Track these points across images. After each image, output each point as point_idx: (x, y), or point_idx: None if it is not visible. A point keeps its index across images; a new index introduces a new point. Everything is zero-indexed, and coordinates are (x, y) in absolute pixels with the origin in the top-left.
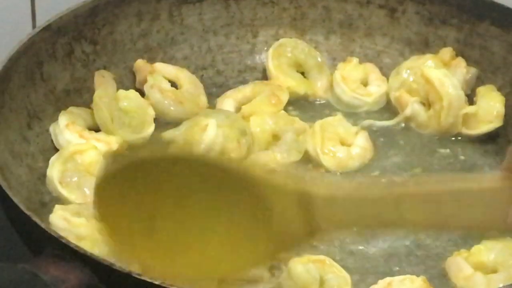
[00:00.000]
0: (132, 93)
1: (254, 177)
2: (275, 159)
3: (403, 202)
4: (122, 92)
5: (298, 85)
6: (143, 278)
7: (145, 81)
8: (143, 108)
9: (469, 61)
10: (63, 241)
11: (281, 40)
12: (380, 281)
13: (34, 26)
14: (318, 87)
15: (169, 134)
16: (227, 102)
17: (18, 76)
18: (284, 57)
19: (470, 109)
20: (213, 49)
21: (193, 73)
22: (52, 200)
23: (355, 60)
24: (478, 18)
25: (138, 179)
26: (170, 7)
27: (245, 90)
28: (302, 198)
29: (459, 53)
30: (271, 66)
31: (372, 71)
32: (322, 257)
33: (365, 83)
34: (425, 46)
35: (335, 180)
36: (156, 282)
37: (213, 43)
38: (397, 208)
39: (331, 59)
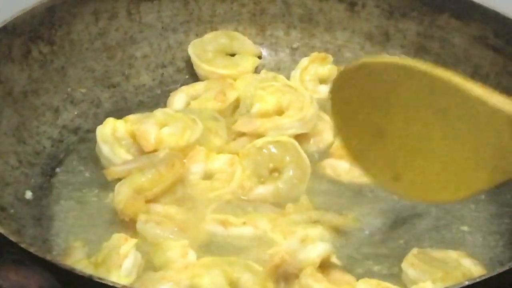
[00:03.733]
0: None
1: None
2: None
3: None
4: None
5: (225, 67)
6: (104, 282)
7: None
8: None
9: (430, 54)
10: (22, 245)
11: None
12: None
13: None
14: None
15: None
16: (179, 96)
17: None
18: (208, 47)
19: None
20: (173, 47)
21: (153, 71)
22: (11, 204)
23: (329, 58)
24: (438, 10)
25: (370, 85)
26: (128, 5)
27: (198, 87)
28: None
29: (420, 46)
30: (193, 57)
31: None
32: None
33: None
34: (386, 40)
35: None
36: (118, 286)
37: (172, 41)
38: None
39: (291, 54)
